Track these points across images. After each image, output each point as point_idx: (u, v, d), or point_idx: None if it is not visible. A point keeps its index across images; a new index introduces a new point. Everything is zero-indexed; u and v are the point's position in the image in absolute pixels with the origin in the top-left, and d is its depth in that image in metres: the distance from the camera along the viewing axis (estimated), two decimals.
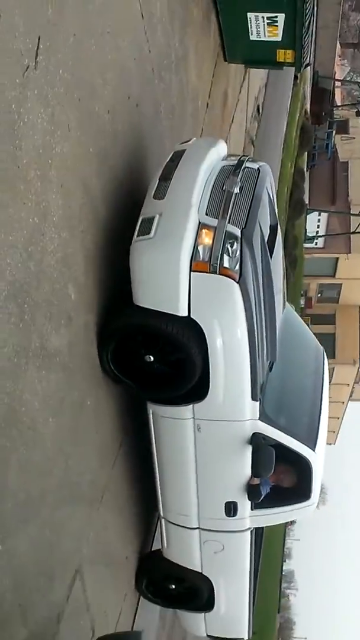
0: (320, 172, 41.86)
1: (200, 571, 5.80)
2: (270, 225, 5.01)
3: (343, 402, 54.42)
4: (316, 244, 41.88)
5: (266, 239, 4.61)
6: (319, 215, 40.44)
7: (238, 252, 4.10)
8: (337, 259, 44.04)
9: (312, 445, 5.10)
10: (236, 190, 4.30)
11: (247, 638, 6.74)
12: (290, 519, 6.06)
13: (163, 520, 5.65)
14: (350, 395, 53.86)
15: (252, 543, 5.60)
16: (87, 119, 3.67)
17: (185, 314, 4.08)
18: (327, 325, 46.98)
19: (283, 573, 71.55)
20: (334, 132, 41.79)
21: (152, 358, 4.38)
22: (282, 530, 44.08)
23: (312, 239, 39.79)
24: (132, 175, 4.62)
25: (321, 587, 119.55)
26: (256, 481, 4.96)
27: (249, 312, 4.16)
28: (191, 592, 6.21)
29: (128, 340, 4.35)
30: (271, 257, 4.64)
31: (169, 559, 5.90)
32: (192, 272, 4.03)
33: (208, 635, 6.79)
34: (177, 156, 4.51)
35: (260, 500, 5.10)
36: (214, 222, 4.14)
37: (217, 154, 4.72)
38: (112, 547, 5.52)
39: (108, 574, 5.49)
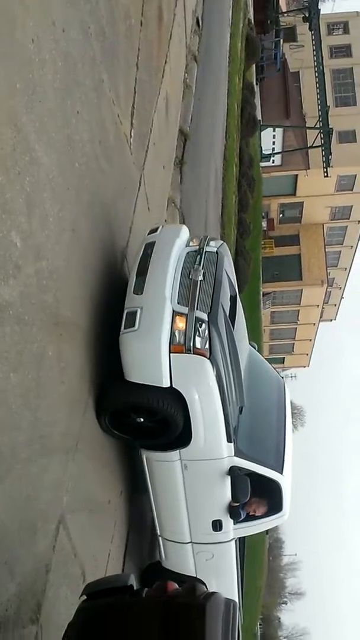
0: (270, 85, 41.13)
1: (195, 576, 6.93)
2: (230, 297, 6.24)
3: (314, 324, 55.54)
4: (273, 162, 41.50)
5: (228, 311, 5.80)
6: (274, 131, 39.97)
7: (206, 333, 5.32)
8: (297, 176, 43.92)
9: (280, 469, 6.39)
10: (200, 277, 5.58)
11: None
12: (267, 528, 7.12)
13: (161, 538, 6.86)
14: (321, 317, 54.89)
15: (236, 548, 6.87)
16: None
17: (168, 385, 5.31)
18: (292, 247, 47.33)
19: None
20: (282, 40, 40.83)
21: (142, 419, 5.64)
22: None
23: (268, 157, 39.39)
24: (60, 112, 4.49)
25: (305, 505, 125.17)
26: (236, 504, 6.21)
27: (219, 378, 5.41)
28: None
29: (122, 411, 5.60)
30: (233, 325, 5.91)
31: (168, 569, 7.08)
32: (171, 354, 5.24)
33: None
34: (149, 248, 5.79)
35: (240, 519, 6.40)
36: (185, 309, 5.36)
37: (182, 241, 6.01)
38: (93, 493, 5.67)
39: (92, 520, 5.67)
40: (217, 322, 5.40)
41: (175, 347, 5.26)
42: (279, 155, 41.56)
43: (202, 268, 5.66)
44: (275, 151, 40.70)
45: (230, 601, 3.32)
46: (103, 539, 6.01)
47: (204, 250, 5.87)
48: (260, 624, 63.97)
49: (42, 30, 3.98)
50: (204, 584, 6.70)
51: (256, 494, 6.25)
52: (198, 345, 5.29)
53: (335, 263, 53.57)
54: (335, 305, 61.16)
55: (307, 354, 62.69)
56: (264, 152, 38.18)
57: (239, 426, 6.12)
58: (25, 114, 3.77)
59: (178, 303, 5.39)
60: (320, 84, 36.05)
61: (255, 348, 7.64)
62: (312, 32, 36.19)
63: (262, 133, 35.84)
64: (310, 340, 59.26)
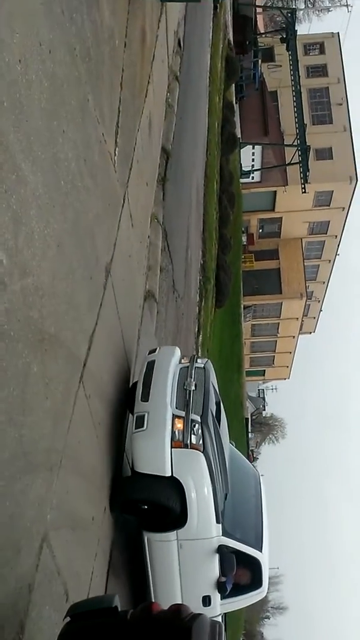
0: (250, 104, 41.50)
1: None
2: (216, 402, 7.60)
3: (294, 337, 55.78)
4: (252, 178, 41.81)
5: (214, 414, 7.18)
6: (253, 148, 40.29)
7: (200, 431, 6.66)
8: (275, 192, 44.29)
9: (259, 548, 7.52)
10: (193, 388, 7.02)
11: None
12: (249, 604, 8.10)
13: None
14: (300, 329, 55.15)
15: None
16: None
17: (169, 474, 6.52)
18: (271, 261, 47.63)
19: None
20: (260, 60, 41.26)
21: (146, 507, 6.74)
22: None
23: (247, 173, 39.68)
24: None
25: (285, 516, 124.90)
26: (223, 579, 7.14)
27: (210, 469, 6.66)
28: None
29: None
30: (219, 423, 7.31)
31: None
32: (172, 449, 6.52)
33: None
34: (150, 367, 7.21)
35: (227, 593, 7.26)
36: (182, 413, 6.72)
37: (176, 359, 7.54)
38: (77, 509, 5.59)
39: (76, 537, 5.58)
40: (208, 422, 6.80)
41: (176, 443, 6.57)
42: (258, 172, 41.89)
43: (194, 380, 7.15)
44: (255, 168, 41.01)
45: (216, 623, 3.27)
46: (86, 556, 5.92)
47: (194, 366, 7.45)
48: (243, 639, 63.47)
49: (29, 51, 3.97)
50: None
51: (239, 567, 7.22)
52: (194, 441, 6.63)
53: (314, 277, 53.99)
54: (315, 318, 61.56)
55: (288, 366, 62.89)
56: (243, 168, 38.48)
57: (225, 512, 7.17)
58: (13, 133, 3.73)
59: (176, 408, 6.80)
60: (297, 103, 36.47)
61: (234, 445, 8.84)
62: (289, 52, 36.63)
63: (241, 150, 36.14)
64: (290, 352, 59.48)
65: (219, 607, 7.36)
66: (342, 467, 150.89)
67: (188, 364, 7.52)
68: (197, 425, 6.68)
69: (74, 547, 5.51)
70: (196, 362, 7.62)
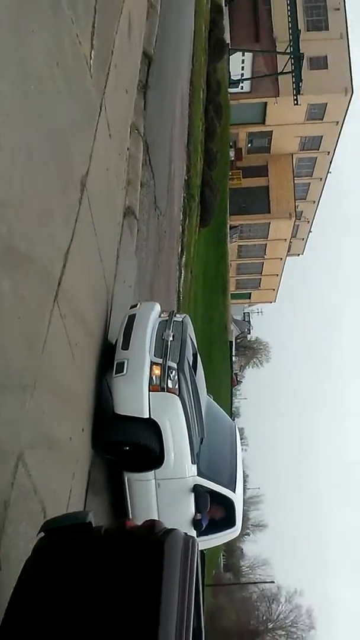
0: (240, 7, 39.70)
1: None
2: (193, 354, 8.37)
3: (281, 259, 55.73)
4: (242, 88, 40.53)
5: (191, 363, 7.95)
6: (243, 55, 38.91)
7: (176, 377, 7.36)
8: (266, 103, 43.05)
9: (233, 488, 8.23)
10: (170, 338, 7.68)
11: None
12: (223, 541, 9.05)
13: None
14: (288, 251, 55.00)
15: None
16: None
17: (147, 416, 7.22)
18: (260, 178, 46.86)
19: None
20: None
21: (127, 448, 7.37)
22: (228, 392, 46.56)
23: (237, 82, 38.43)
24: None
25: (269, 440, 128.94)
26: (198, 517, 7.87)
27: (186, 412, 7.38)
28: None
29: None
30: (195, 373, 8.04)
31: None
32: (150, 392, 7.22)
33: None
34: (131, 320, 7.77)
35: (202, 530, 7.90)
36: (160, 360, 7.39)
37: (156, 313, 8.13)
38: (54, 430, 5.69)
39: (53, 457, 5.71)
40: (184, 369, 7.51)
41: (154, 387, 7.25)
42: (248, 82, 40.58)
43: (172, 332, 7.77)
44: (244, 77, 39.71)
45: (190, 538, 3.39)
46: (64, 475, 6.08)
47: (173, 320, 8.10)
48: (223, 555, 66.69)
49: None
50: None
51: (214, 507, 8.02)
52: (170, 385, 7.31)
53: (304, 195, 53.38)
54: (303, 239, 61.31)
55: (274, 289, 63.13)
56: (232, 77, 37.19)
57: (200, 454, 7.90)
58: None
59: (154, 356, 7.44)
60: (291, 7, 34.97)
61: (211, 397, 9.64)
62: None
63: (230, 57, 34.81)
64: (277, 275, 59.56)
65: None
66: (325, 391, 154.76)
67: (167, 318, 8.20)
68: (173, 371, 7.38)
69: (51, 466, 5.64)
70: (175, 316, 8.32)
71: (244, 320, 79.61)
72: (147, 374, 7.28)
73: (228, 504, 8.24)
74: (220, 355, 39.21)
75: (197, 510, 7.80)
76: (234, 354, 60.53)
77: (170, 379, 7.34)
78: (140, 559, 3.21)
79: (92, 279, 7.11)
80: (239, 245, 52.08)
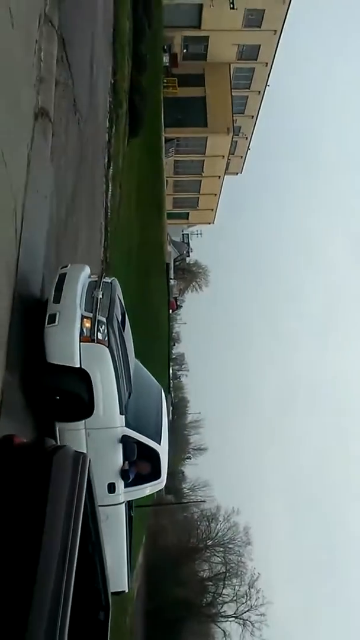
0: None
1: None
2: (122, 313, 9.16)
3: (219, 177, 55.02)
4: None
5: (120, 322, 8.72)
6: None
7: (105, 330, 8.03)
8: (202, 5, 41.39)
9: (158, 441, 9.09)
10: (100, 295, 8.34)
11: (127, 590, 10.37)
12: (149, 493, 9.89)
13: None
14: (226, 169, 54.29)
15: (126, 512, 9.21)
16: None
17: (78, 365, 7.83)
18: (196, 88, 45.59)
19: (173, 356, 77.80)
20: None
21: (58, 397, 7.91)
22: (166, 316, 46.76)
23: None
24: None
25: (209, 365, 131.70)
26: (126, 466, 8.64)
27: (115, 362, 8.08)
28: None
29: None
30: (124, 330, 8.91)
31: None
32: (81, 343, 7.81)
33: None
34: (62, 278, 8.41)
35: (129, 481, 8.75)
36: (90, 314, 8.04)
37: (86, 274, 8.82)
38: None
39: None
40: (112, 324, 8.24)
41: (84, 338, 7.87)
42: None
43: (101, 290, 8.46)
44: None
45: (80, 454, 3.26)
46: None
47: (102, 280, 8.78)
48: None
49: None
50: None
51: (140, 459, 8.74)
52: (100, 337, 7.96)
53: (242, 110, 52.40)
54: (242, 157, 60.62)
55: (212, 210, 62.67)
56: None
57: (128, 408, 8.61)
58: None
59: (85, 310, 8.09)
60: None
61: (139, 362, 10.27)
62: None
63: None
64: (216, 195, 58.97)
65: (122, 495, 8.92)
66: (264, 315, 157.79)
67: (96, 279, 8.84)
68: (103, 325, 8.05)
69: None
70: (104, 278, 9.00)
71: (183, 242, 79.22)
72: (78, 325, 7.87)
73: (154, 457, 9.05)
74: (156, 278, 39.01)
75: (125, 458, 8.55)
76: (172, 277, 60.43)
77: (100, 332, 7.98)
78: (28, 473, 3.06)
79: None
80: (175, 161, 51.01)
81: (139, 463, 8.80)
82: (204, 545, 54.45)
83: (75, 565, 3.35)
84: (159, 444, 9.05)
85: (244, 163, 62.18)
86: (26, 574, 3.09)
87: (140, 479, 9.08)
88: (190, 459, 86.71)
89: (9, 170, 7.11)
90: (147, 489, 9.51)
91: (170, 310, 58.68)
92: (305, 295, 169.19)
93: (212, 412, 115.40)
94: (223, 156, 50.51)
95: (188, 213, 63.47)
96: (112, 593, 10.18)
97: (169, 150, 45.65)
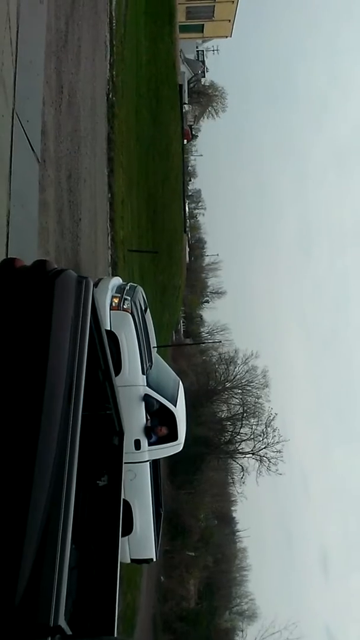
0: None
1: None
2: (144, 307, 12.47)
3: None
4: None
5: (142, 309, 12.18)
6: None
7: (130, 304, 11.25)
8: None
9: (175, 404, 11.58)
10: (127, 287, 11.82)
11: (155, 559, 12.18)
12: (169, 453, 12.17)
13: None
14: None
15: (150, 473, 11.60)
16: None
17: (109, 328, 10.62)
18: None
19: (189, 193, 76.55)
20: None
21: None
22: (179, 147, 45.50)
23: None
24: None
25: (227, 202, 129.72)
26: (149, 423, 11.14)
27: (137, 328, 11.16)
28: None
29: None
30: (145, 319, 12.26)
31: None
32: (111, 311, 10.98)
33: (132, 560, 11.97)
34: (99, 280, 11.65)
35: (152, 440, 11.19)
36: (118, 295, 11.41)
37: (118, 280, 12.29)
38: None
39: None
40: (135, 301, 11.41)
41: (113, 307, 10.94)
42: None
43: (127, 285, 11.81)
44: None
45: (83, 278, 3.27)
46: None
47: (128, 283, 12.18)
48: (183, 322, 70.31)
49: None
50: None
51: (160, 423, 11.26)
52: (125, 306, 10.98)
53: None
54: None
55: (230, 20, 58.94)
56: None
57: (150, 379, 11.21)
58: None
59: (115, 292, 11.30)
60: None
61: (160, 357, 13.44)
62: None
63: None
64: (233, 2, 55.24)
65: (147, 453, 11.20)
66: (287, 147, 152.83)
67: (126, 283, 12.17)
68: (128, 300, 11.14)
69: None
70: (130, 283, 12.36)
71: (197, 59, 75.22)
72: (109, 299, 10.99)
73: (171, 421, 11.41)
74: (168, 101, 37.47)
75: (147, 411, 10.98)
76: (186, 101, 58.03)
77: (126, 304, 11.01)
78: (31, 296, 3.10)
79: None
80: None
81: (159, 428, 11.10)
82: (223, 387, 56.74)
83: (82, 390, 3.48)
84: (175, 406, 11.39)
85: None
86: (32, 399, 3.19)
87: (161, 440, 11.33)
88: (209, 302, 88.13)
89: None
90: (167, 450, 11.76)
91: (185, 141, 56.88)
92: (333, 123, 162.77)
93: (230, 254, 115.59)
94: None
95: (202, 25, 59.90)
96: (140, 560, 12.14)
97: None
